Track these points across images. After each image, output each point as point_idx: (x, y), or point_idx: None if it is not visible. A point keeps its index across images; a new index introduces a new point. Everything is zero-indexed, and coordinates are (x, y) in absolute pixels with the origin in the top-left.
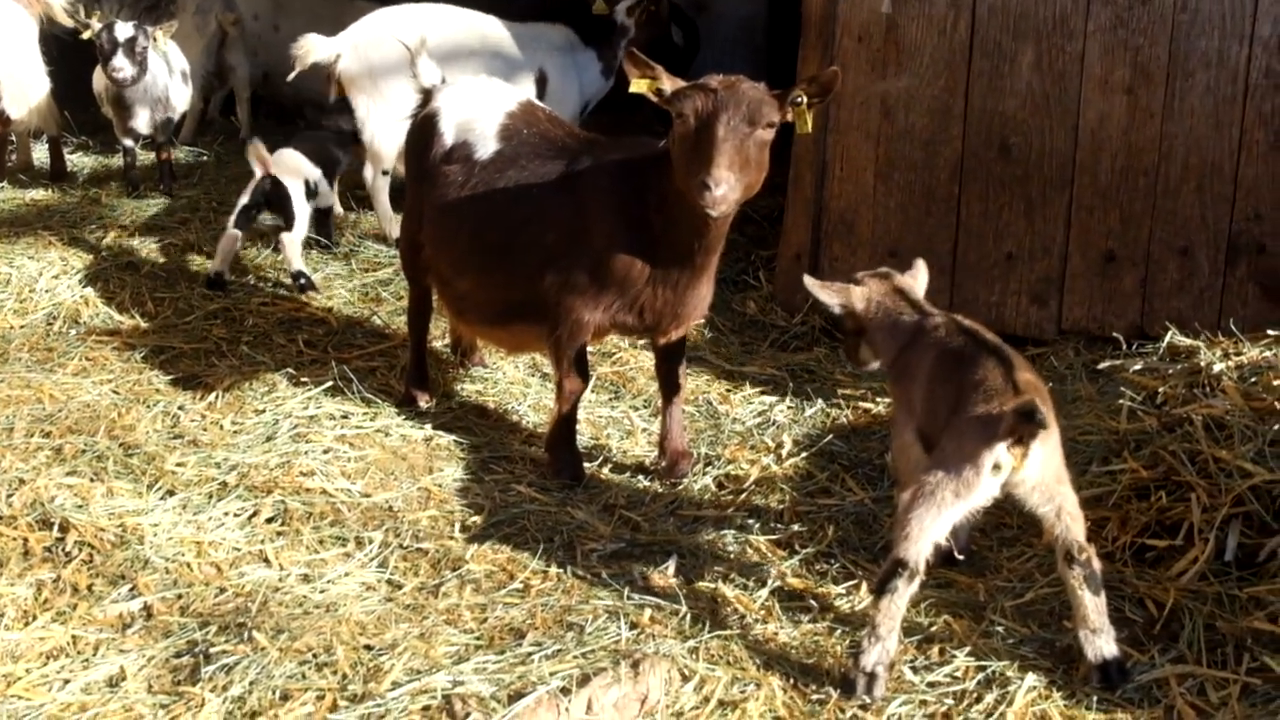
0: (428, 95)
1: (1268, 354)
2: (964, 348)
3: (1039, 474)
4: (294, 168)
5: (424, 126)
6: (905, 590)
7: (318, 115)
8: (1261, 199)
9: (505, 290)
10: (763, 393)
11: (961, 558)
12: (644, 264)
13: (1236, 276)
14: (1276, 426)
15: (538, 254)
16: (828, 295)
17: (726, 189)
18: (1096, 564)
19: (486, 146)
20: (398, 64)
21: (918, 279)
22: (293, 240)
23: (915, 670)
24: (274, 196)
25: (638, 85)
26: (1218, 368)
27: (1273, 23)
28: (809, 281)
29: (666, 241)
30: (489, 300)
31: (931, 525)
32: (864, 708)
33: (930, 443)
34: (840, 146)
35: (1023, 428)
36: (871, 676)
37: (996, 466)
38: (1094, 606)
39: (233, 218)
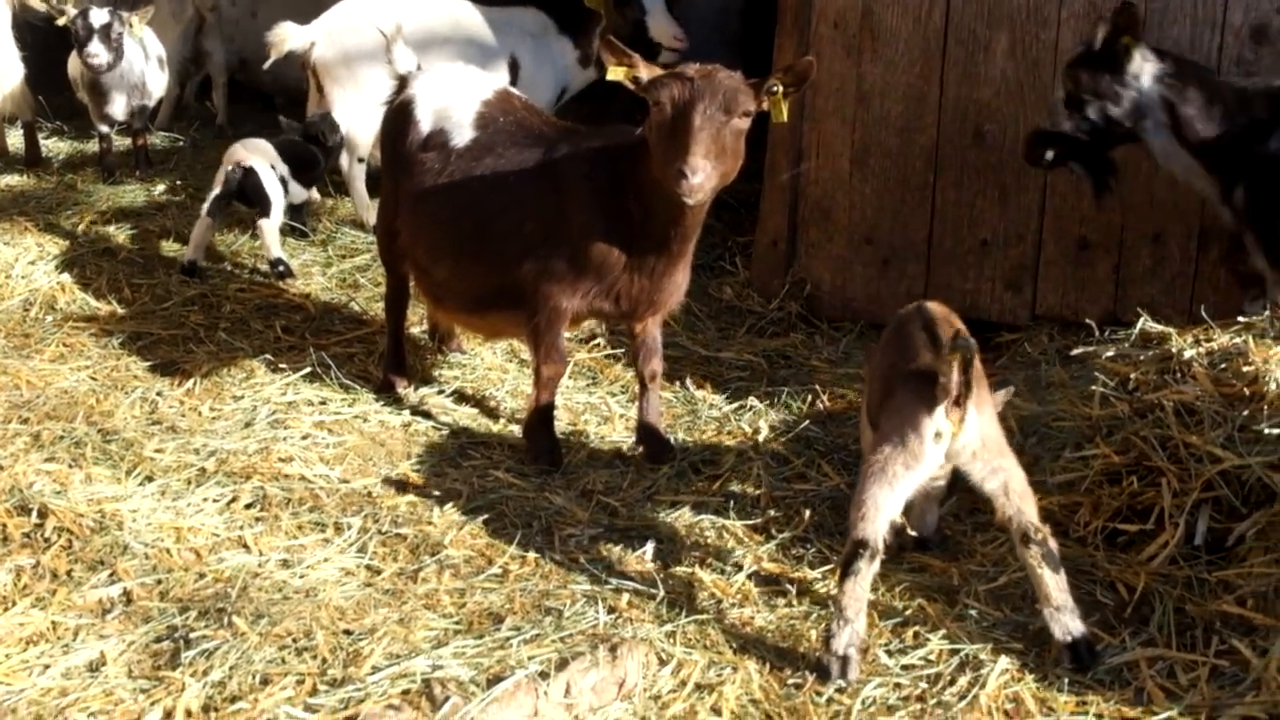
0: (403, 82)
1: (1238, 340)
2: (902, 327)
3: (977, 437)
4: (262, 150)
5: (399, 114)
6: (868, 571)
7: (289, 105)
8: None
9: (483, 277)
10: (739, 378)
11: (914, 534)
12: (621, 251)
13: (1208, 262)
14: (1246, 412)
15: (515, 241)
16: None
17: (703, 177)
18: (1053, 543)
19: (463, 134)
20: (373, 50)
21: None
22: (270, 226)
23: (890, 654)
24: (247, 185)
25: (614, 73)
26: (1189, 354)
27: (1244, 10)
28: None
29: (644, 229)
30: (467, 287)
31: (885, 502)
32: (840, 690)
33: (875, 424)
34: (816, 133)
35: (955, 358)
36: (844, 660)
37: (938, 434)
38: (1055, 584)
39: (206, 205)
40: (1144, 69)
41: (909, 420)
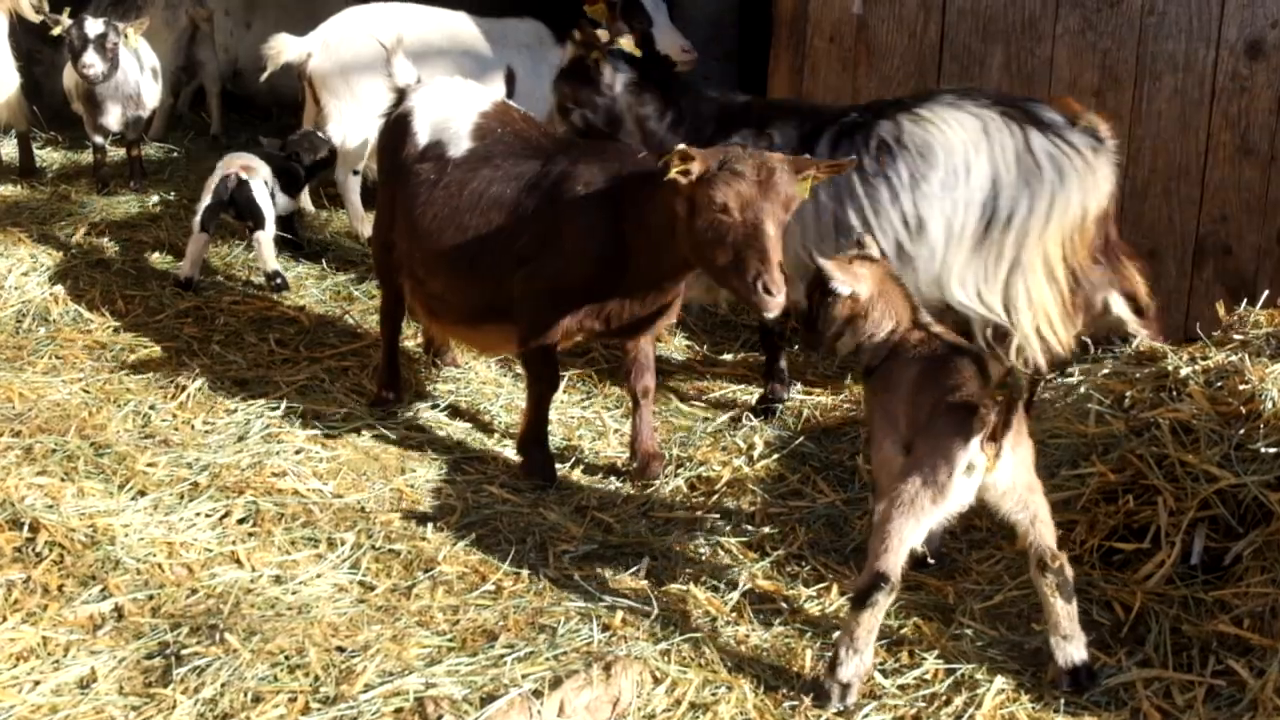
0: (401, 94)
1: (1234, 358)
2: (942, 356)
3: (1010, 478)
4: (250, 165)
5: (397, 126)
6: (884, 604)
7: (285, 115)
8: (1228, 201)
9: (478, 291)
10: (734, 394)
11: (933, 562)
12: (614, 274)
13: (1203, 279)
14: (1242, 430)
15: (510, 256)
16: (841, 276)
17: (786, 288)
18: (1069, 571)
19: (460, 147)
20: (369, 62)
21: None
22: (266, 239)
23: (886, 674)
24: (239, 198)
25: (676, 172)
26: (1184, 372)
27: (1238, 26)
28: (823, 262)
29: (637, 259)
30: (462, 300)
31: (910, 535)
32: (837, 714)
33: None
34: None
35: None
36: (846, 687)
37: (970, 467)
38: (1066, 614)
39: (198, 220)
40: (616, 79)
41: (942, 450)
